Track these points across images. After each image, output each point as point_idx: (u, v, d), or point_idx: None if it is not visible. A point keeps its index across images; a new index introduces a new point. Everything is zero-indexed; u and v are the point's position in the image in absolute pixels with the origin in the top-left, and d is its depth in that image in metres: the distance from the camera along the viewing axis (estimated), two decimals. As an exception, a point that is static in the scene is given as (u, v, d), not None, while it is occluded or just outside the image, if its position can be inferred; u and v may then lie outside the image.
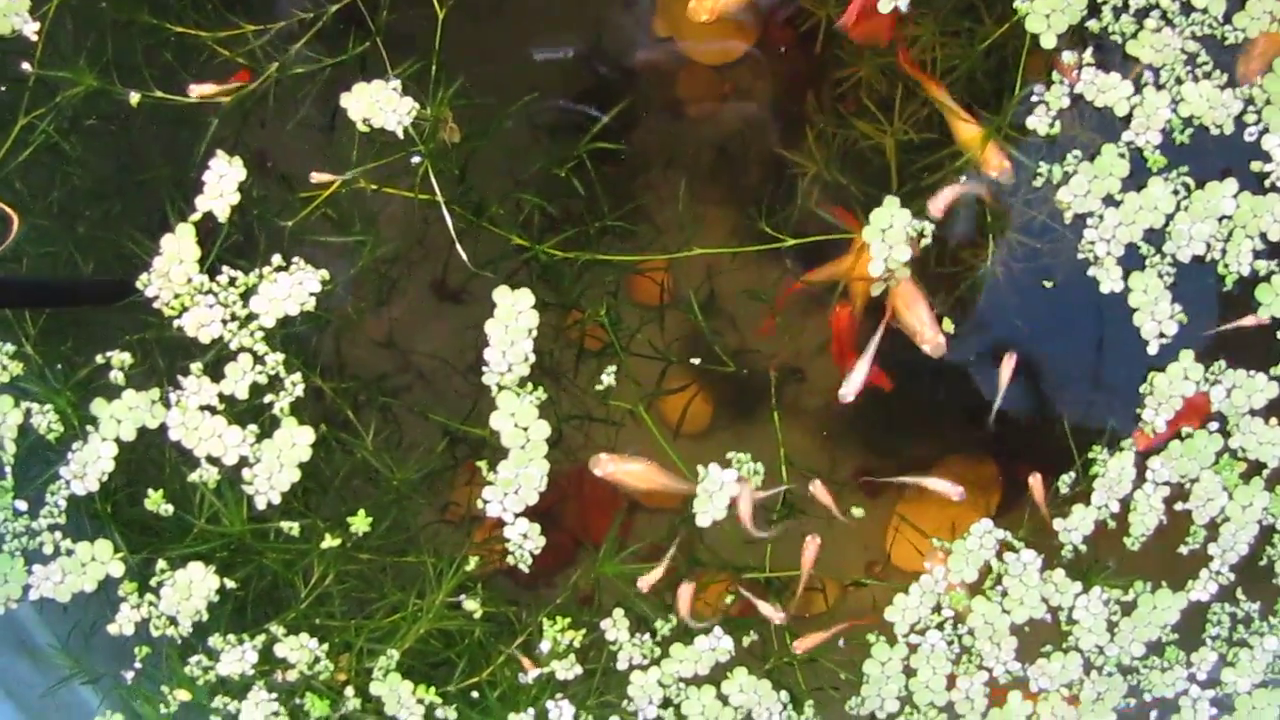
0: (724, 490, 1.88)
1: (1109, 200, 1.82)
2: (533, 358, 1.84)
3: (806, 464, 2.03)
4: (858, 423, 2.09)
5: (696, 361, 2.02)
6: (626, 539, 1.99)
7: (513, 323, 1.83)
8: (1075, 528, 1.89)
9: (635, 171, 2.08)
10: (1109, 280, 1.83)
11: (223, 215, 1.80)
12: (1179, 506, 1.92)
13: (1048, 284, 1.91)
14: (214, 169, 1.81)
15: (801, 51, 2.04)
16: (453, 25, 1.87)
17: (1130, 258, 1.83)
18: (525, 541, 1.87)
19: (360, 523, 1.87)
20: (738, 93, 2.12)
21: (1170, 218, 1.81)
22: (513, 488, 1.85)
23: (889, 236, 1.81)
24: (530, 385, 1.85)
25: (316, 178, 1.83)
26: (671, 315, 2.04)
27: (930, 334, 1.88)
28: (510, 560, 1.88)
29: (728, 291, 2.06)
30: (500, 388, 1.83)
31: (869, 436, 2.13)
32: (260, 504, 1.83)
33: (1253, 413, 1.87)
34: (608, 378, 1.92)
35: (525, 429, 1.84)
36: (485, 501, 1.86)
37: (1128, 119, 1.81)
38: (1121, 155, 1.81)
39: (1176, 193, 1.81)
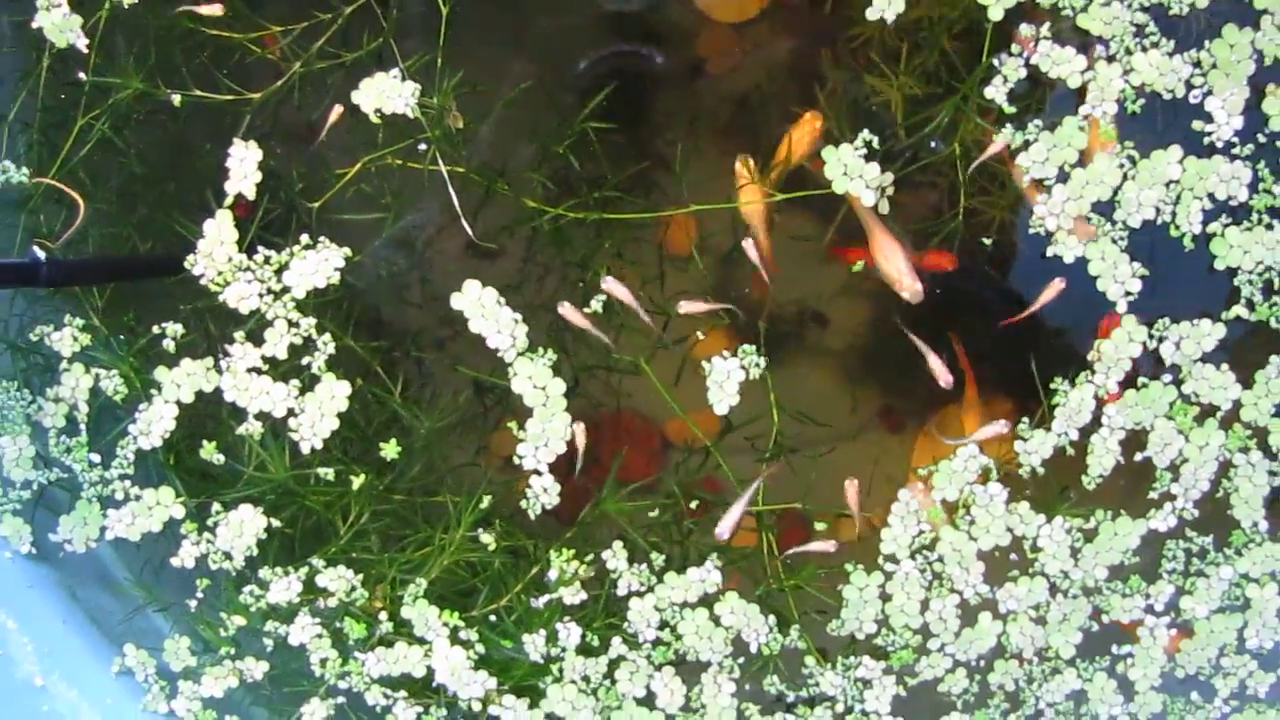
0: (731, 379, 2.03)
1: (1061, 175, 1.92)
2: (521, 334, 2.00)
3: (831, 404, 2.18)
4: (877, 365, 2.21)
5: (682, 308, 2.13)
6: (655, 476, 2.17)
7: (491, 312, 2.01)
8: (1035, 451, 2.00)
9: (657, 129, 2.19)
10: (1067, 251, 1.94)
11: (250, 193, 1.98)
12: (1138, 456, 2.01)
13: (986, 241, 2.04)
14: (234, 154, 1.99)
15: (814, 9, 2.14)
16: (465, 10, 2.03)
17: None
18: (543, 494, 2.06)
19: (390, 450, 2.06)
20: (755, 49, 2.20)
21: (1117, 189, 1.90)
22: (541, 441, 2.03)
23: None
24: (541, 349, 2.01)
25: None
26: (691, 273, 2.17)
27: (909, 281, 2.00)
28: (524, 505, 2.06)
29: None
30: (517, 354, 2.00)
31: (889, 378, 2.23)
32: (304, 449, 2.02)
33: (1203, 359, 1.96)
34: (595, 304, 2.06)
35: (543, 388, 2.01)
36: (521, 456, 2.03)
37: (1081, 91, 1.90)
38: (1081, 128, 1.89)
39: (1122, 166, 1.90)
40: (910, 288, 2.00)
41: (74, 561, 2.15)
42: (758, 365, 2.03)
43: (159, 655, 2.16)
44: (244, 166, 1.99)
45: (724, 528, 2.07)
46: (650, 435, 2.29)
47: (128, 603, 2.19)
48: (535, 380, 2.01)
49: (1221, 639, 2.11)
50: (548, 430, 2.02)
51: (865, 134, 1.95)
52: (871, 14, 1.93)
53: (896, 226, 2.02)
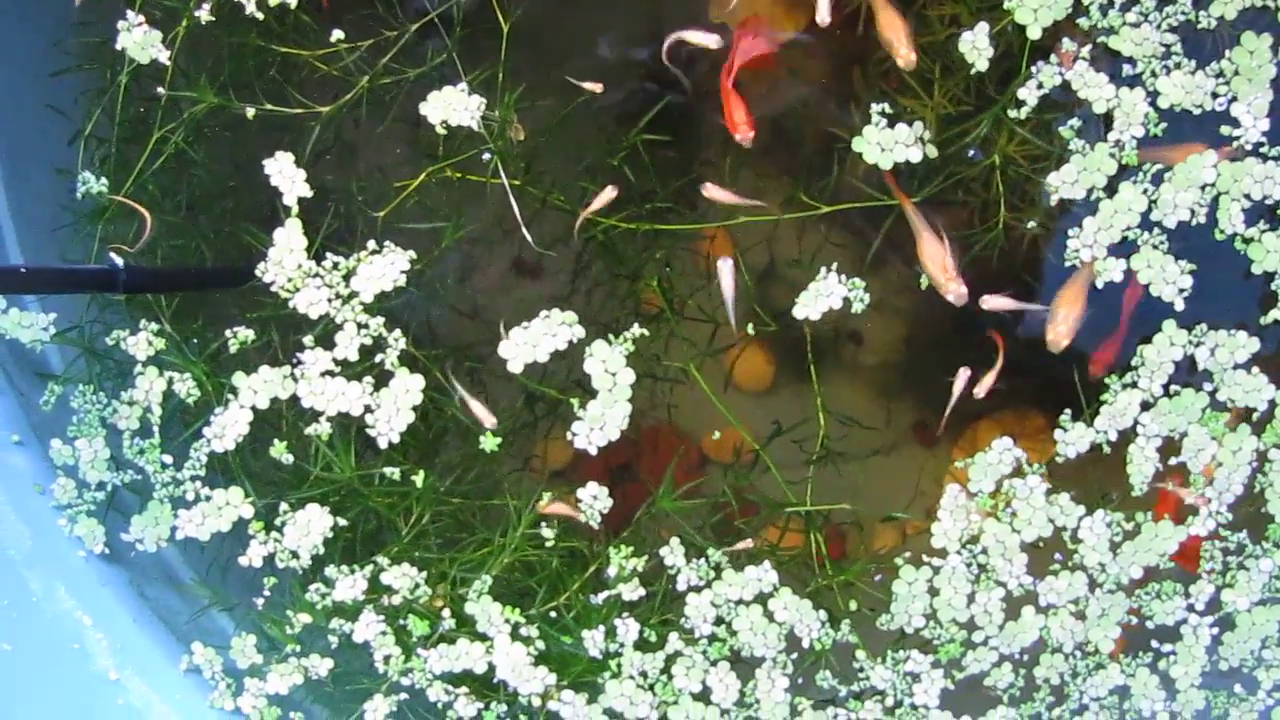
0: (833, 294, 2.07)
1: (1089, 205, 1.99)
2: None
3: (865, 419, 2.23)
4: (911, 380, 2.29)
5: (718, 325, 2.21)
6: (697, 489, 2.22)
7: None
8: (1073, 443, 2.06)
9: (697, 150, 2.28)
10: (1108, 273, 2.01)
11: (292, 200, 2.05)
12: (1173, 460, 2.06)
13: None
14: (271, 167, 2.05)
15: (848, 32, 2.16)
16: (523, 30, 2.11)
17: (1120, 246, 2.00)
18: (595, 502, 2.11)
19: (490, 443, 2.11)
20: (790, 72, 2.27)
21: (1145, 214, 1.97)
22: (599, 424, 2.08)
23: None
24: (622, 336, 2.07)
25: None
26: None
27: (954, 285, 2.05)
28: (582, 517, 2.11)
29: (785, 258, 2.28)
30: (594, 339, 2.06)
31: (922, 393, 2.29)
32: (382, 444, 2.07)
33: (1236, 366, 2.02)
34: (637, 329, 2.10)
35: (614, 374, 2.06)
36: (574, 435, 2.08)
37: (1108, 117, 1.97)
38: (1111, 155, 1.97)
39: (1146, 191, 1.97)
40: (956, 290, 2.06)
41: (143, 561, 2.21)
42: (861, 300, 2.08)
43: (225, 653, 2.21)
44: (284, 176, 2.06)
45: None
46: (689, 451, 2.38)
47: (193, 603, 2.25)
48: (609, 365, 2.07)
49: (1264, 631, 2.15)
50: (607, 415, 2.07)
51: (876, 107, 2.02)
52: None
53: (942, 229, 2.09)
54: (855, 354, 2.32)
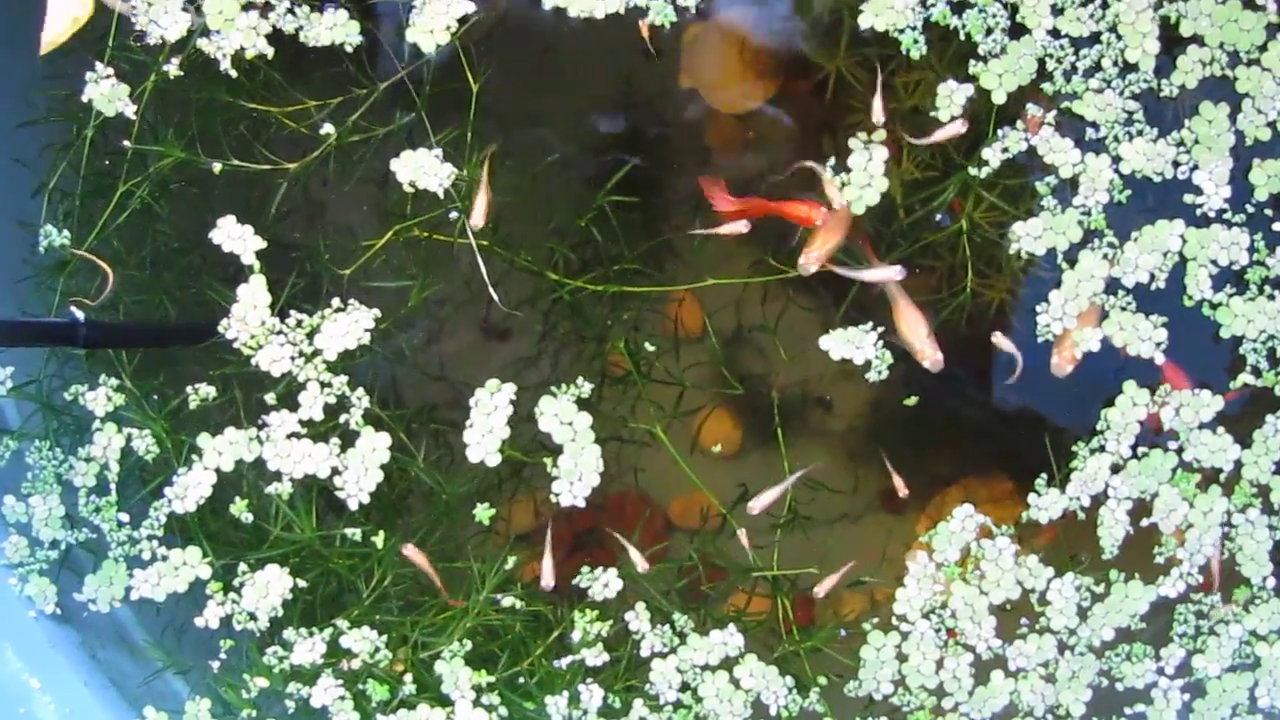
0: (863, 348, 2.07)
1: (1056, 280, 2.03)
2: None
3: (833, 484, 2.23)
4: (880, 446, 2.26)
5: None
6: (663, 552, 2.21)
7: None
8: (1045, 508, 2.08)
9: (665, 213, 2.29)
10: (1084, 344, 2.03)
11: (250, 258, 2.05)
12: (1144, 521, 2.08)
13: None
14: (218, 235, 2.06)
15: (816, 99, 2.22)
16: (492, 90, 2.13)
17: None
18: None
19: (483, 515, 2.12)
20: (758, 139, 2.31)
21: (1110, 278, 2.01)
22: (575, 475, 2.07)
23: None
24: (565, 385, 2.07)
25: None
26: (705, 348, 2.27)
27: (930, 352, 2.08)
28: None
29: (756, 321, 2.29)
30: (542, 395, 2.06)
31: (891, 459, 2.25)
32: (352, 505, 2.05)
33: (1201, 426, 2.04)
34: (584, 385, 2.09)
35: (570, 423, 2.06)
36: (556, 494, 2.07)
37: (1074, 182, 2.01)
38: (1079, 222, 2.00)
39: (1106, 255, 2.01)
40: (932, 357, 2.09)
41: (95, 622, 2.17)
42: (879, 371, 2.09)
43: (179, 718, 2.16)
44: (233, 236, 2.06)
45: (757, 505, 2.14)
46: (655, 516, 2.36)
47: (147, 666, 2.21)
48: (561, 416, 2.06)
49: (1234, 698, 2.16)
50: (579, 464, 2.06)
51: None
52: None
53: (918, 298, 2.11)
54: (823, 419, 2.33)
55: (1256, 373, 2.03)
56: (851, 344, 2.08)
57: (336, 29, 2.05)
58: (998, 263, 2.14)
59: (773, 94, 2.29)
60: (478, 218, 2.07)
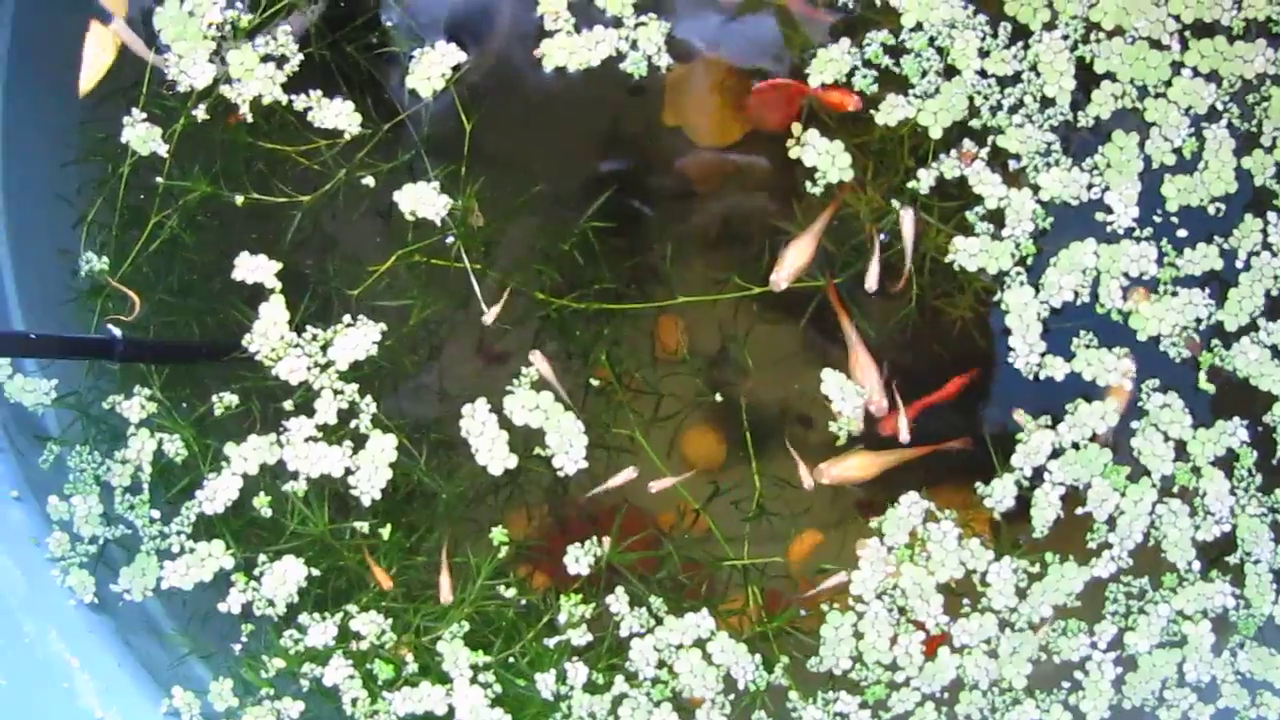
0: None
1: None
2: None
3: (811, 497, 2.40)
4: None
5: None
6: (642, 542, 2.39)
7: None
8: (999, 496, 2.27)
9: (651, 241, 2.46)
10: (1051, 369, 2.25)
11: (271, 281, 2.27)
12: (1079, 510, 2.27)
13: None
14: (239, 271, 2.28)
15: (790, 135, 2.32)
16: (484, 129, 2.34)
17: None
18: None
19: (500, 537, 2.33)
20: (738, 172, 2.44)
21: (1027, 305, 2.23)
22: (565, 445, 2.27)
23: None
24: (517, 380, 2.27)
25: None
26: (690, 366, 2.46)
27: (878, 399, 2.29)
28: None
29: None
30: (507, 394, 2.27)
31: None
32: (365, 502, 2.26)
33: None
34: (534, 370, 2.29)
35: (536, 406, 2.27)
36: (560, 468, 2.27)
37: (1000, 215, 2.22)
38: (1012, 254, 2.22)
39: (1024, 283, 2.22)
40: (879, 405, 2.29)
41: (128, 612, 2.37)
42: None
43: (204, 697, 2.35)
44: (253, 267, 2.29)
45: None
46: (647, 527, 2.49)
47: (174, 652, 2.41)
48: (526, 405, 2.27)
49: (1163, 673, 2.34)
50: (563, 433, 2.26)
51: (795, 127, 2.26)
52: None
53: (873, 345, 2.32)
54: (804, 436, 2.46)
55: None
56: (841, 392, 2.29)
57: (341, 116, 2.29)
58: (959, 284, 2.32)
59: (750, 130, 2.43)
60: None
